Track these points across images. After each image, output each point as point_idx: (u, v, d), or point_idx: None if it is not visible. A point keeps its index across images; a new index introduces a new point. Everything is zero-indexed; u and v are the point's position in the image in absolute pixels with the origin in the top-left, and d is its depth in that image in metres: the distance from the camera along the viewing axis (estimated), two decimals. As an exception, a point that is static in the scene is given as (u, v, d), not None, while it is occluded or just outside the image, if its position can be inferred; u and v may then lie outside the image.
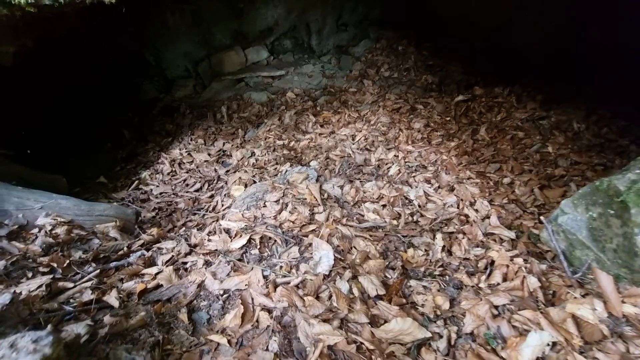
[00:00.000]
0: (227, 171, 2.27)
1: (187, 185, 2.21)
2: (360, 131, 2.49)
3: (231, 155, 2.45)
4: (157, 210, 1.88)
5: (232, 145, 2.57)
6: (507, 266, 1.06)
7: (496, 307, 0.93)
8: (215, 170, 2.30)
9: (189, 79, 3.65)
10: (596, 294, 0.87)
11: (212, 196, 1.98)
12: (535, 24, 3.11)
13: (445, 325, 0.92)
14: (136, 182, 2.22)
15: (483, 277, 1.07)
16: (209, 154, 2.50)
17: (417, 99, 2.82)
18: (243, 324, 0.97)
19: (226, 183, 2.11)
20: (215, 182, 2.18)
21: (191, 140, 2.78)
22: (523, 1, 3.11)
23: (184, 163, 2.46)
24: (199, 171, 2.33)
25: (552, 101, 2.65)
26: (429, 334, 0.89)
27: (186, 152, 2.57)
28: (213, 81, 3.49)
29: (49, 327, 0.74)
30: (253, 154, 2.39)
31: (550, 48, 3.07)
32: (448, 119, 2.51)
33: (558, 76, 2.94)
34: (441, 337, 0.89)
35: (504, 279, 1.02)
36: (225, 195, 1.91)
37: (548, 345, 0.77)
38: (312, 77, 3.49)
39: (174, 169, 2.40)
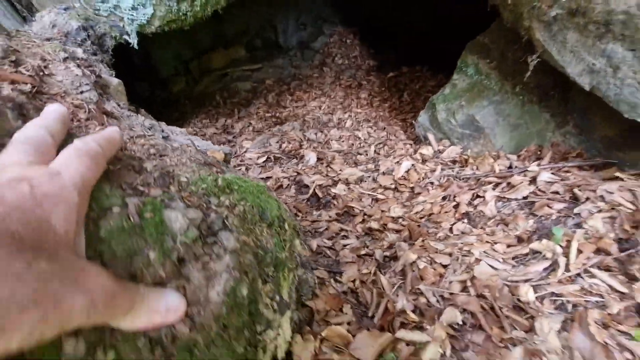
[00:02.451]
0: (234, 137, 3.19)
1: (207, 148, 3.11)
2: (324, 103, 3.51)
3: (233, 127, 3.37)
4: (194, 161, 2.78)
5: (232, 120, 3.49)
6: (402, 149, 2.14)
7: (395, 162, 2.00)
8: (225, 138, 3.22)
9: (181, 76, 4.46)
10: (430, 145, 1.97)
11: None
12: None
13: (371, 172, 1.98)
14: (169, 149, 3.08)
15: (391, 156, 2.14)
16: (216, 128, 3.41)
17: (363, 77, 3.89)
18: (275, 185, 1.97)
19: (236, 143, 3.04)
20: (227, 144, 3.10)
21: (197, 121, 3.65)
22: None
23: (198, 136, 3.34)
24: (213, 139, 3.24)
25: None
26: (364, 174, 1.93)
27: (197, 129, 3.45)
28: (203, 76, 4.34)
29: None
30: (250, 124, 3.33)
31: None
32: (383, 89, 3.60)
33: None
34: (369, 176, 1.95)
35: (400, 153, 2.10)
36: (239, 146, 2.85)
37: (409, 166, 1.84)
38: (283, 68, 4.45)
39: (192, 140, 3.28)
